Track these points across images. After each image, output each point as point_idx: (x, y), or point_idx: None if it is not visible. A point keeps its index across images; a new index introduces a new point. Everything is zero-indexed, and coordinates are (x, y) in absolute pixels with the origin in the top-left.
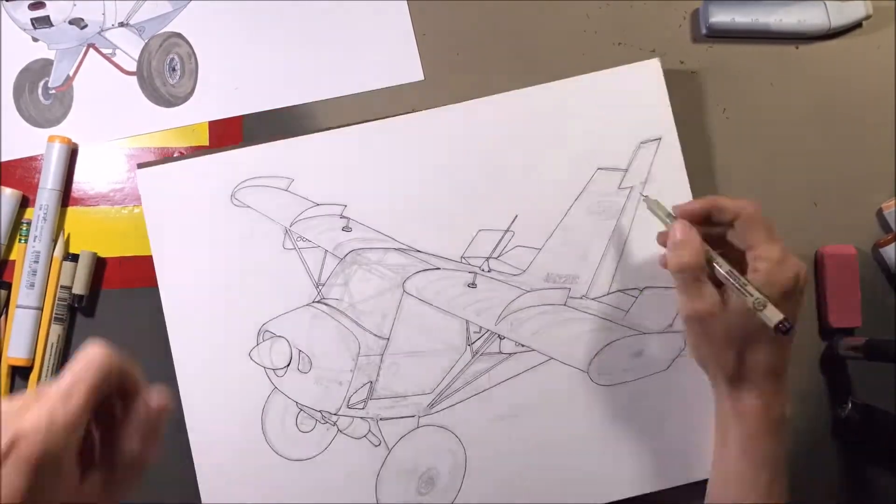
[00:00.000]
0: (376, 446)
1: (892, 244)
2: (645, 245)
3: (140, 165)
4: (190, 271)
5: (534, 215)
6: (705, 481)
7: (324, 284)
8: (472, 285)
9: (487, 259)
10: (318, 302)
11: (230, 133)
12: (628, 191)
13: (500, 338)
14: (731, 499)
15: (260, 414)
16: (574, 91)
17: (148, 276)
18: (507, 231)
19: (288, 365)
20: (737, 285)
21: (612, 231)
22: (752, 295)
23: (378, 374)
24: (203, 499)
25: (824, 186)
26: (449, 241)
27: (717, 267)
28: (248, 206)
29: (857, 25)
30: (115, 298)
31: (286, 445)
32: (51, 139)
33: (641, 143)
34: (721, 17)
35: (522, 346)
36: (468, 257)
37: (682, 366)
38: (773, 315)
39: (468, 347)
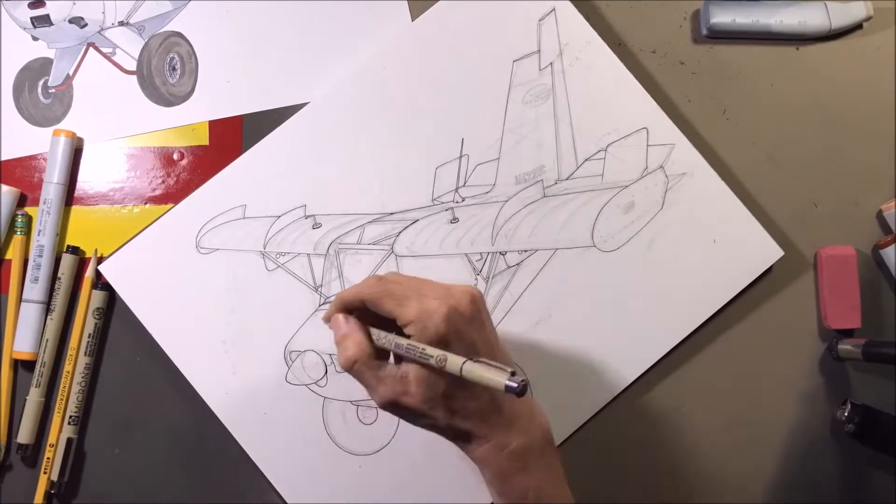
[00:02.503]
0: None
1: (892, 245)
2: (589, 108)
3: (99, 261)
4: (192, 333)
5: (478, 131)
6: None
7: (322, 285)
8: (454, 220)
9: (456, 190)
10: (324, 304)
11: (230, 132)
12: (549, 68)
13: (502, 254)
14: None
15: (322, 427)
16: (455, 4)
17: None
18: (461, 157)
19: (326, 373)
20: (415, 356)
21: (554, 110)
22: (431, 357)
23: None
24: None
25: (824, 187)
26: (413, 192)
27: (391, 347)
28: (216, 249)
29: (857, 26)
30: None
31: (360, 443)
32: (56, 133)
33: (539, 20)
34: (722, 17)
35: (525, 251)
36: (438, 197)
37: (675, 197)
38: (453, 363)
39: (478, 277)
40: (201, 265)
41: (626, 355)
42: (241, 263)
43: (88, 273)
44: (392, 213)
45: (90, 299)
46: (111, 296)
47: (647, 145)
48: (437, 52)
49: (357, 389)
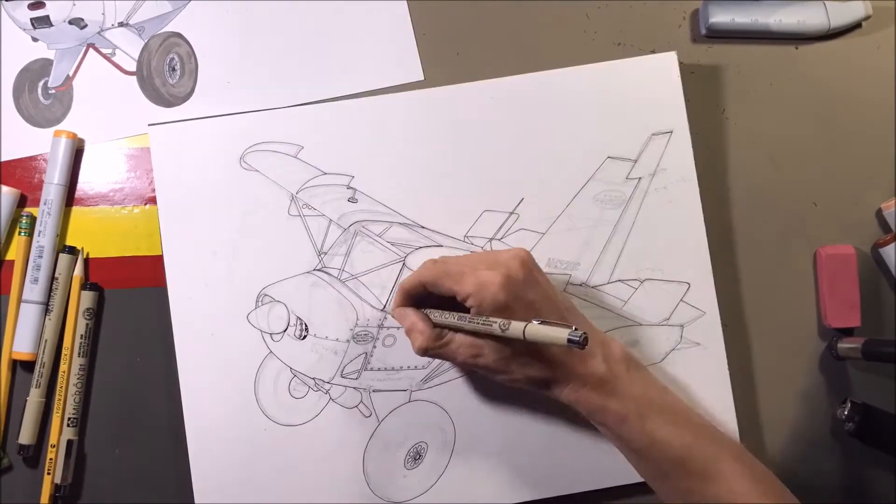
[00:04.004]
0: (367, 417)
1: (892, 244)
2: (649, 237)
3: (152, 123)
4: (194, 230)
5: (540, 199)
6: None
7: (326, 253)
8: None
9: (490, 240)
10: (318, 270)
11: None
12: (636, 181)
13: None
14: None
15: (254, 378)
16: (590, 78)
17: (148, 277)
18: (511, 213)
19: (285, 330)
20: (479, 327)
21: (618, 220)
22: (494, 323)
23: (374, 346)
24: (192, 459)
25: (824, 186)
26: (453, 219)
27: (454, 324)
28: (257, 170)
29: (856, 26)
30: (115, 298)
31: (278, 410)
32: (57, 134)
33: (653, 134)
34: (721, 17)
35: None
36: (471, 237)
37: (676, 359)
38: (515, 328)
39: None
40: (236, 176)
41: (557, 470)
42: (270, 194)
43: (77, 272)
44: (423, 227)
45: (80, 300)
46: (101, 295)
47: (681, 300)
48: (548, 110)
49: (301, 361)
